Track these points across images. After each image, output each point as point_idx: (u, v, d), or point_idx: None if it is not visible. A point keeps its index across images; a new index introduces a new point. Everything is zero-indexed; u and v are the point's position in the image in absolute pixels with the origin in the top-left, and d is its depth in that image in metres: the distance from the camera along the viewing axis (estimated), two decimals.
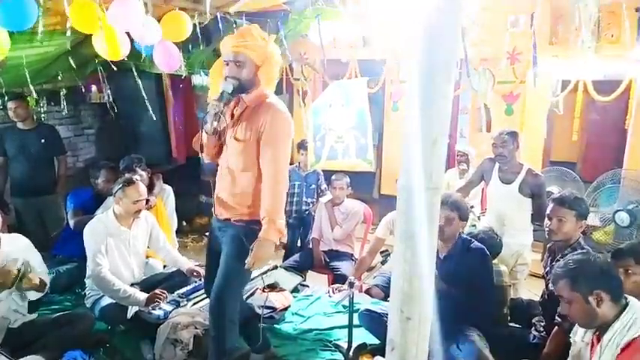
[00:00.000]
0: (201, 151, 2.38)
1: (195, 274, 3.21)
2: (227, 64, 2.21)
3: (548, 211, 2.61)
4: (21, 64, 3.09)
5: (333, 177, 4.04)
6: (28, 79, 3.23)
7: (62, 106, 4.74)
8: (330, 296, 3.52)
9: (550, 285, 2.25)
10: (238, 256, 2.22)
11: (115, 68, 3.44)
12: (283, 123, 2.24)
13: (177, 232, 4.26)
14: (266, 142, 2.21)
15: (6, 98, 3.98)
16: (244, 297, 3.20)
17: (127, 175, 3.21)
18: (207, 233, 5.53)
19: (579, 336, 1.99)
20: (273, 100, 2.30)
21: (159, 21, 3.03)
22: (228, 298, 2.29)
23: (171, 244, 3.57)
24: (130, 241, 3.10)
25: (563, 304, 1.88)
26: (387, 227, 3.58)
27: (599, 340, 1.83)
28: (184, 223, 5.58)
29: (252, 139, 2.23)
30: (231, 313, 2.31)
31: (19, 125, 4.10)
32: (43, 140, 4.16)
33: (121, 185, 2.99)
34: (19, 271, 2.47)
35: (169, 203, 4.02)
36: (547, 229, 2.60)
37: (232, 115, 2.30)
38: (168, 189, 4.05)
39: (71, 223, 3.58)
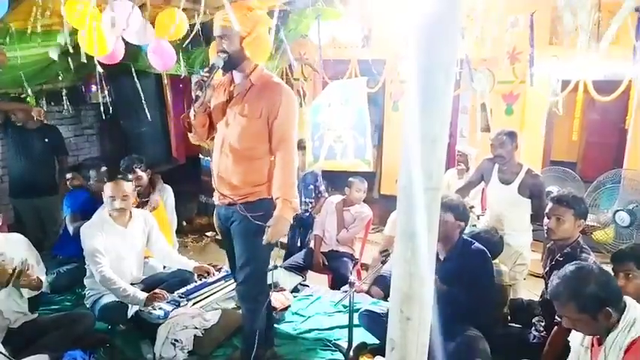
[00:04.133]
0: (190, 131, 2.38)
1: (206, 272, 3.21)
2: (218, 40, 2.22)
3: (546, 210, 2.60)
4: (20, 64, 3.08)
5: (352, 179, 4.04)
6: (24, 81, 3.22)
7: (63, 106, 4.74)
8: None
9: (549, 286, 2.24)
10: (253, 246, 2.30)
11: (114, 68, 3.43)
12: (294, 103, 2.29)
13: (177, 232, 4.25)
14: (280, 123, 2.24)
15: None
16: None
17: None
18: (207, 233, 5.59)
19: (578, 341, 1.97)
20: (279, 79, 2.33)
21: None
22: (260, 283, 2.45)
23: (171, 244, 3.56)
24: (127, 239, 3.09)
25: (567, 321, 1.82)
26: (395, 225, 3.57)
27: (599, 342, 1.82)
28: (184, 223, 5.58)
29: (262, 116, 2.23)
30: (264, 297, 2.47)
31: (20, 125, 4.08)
32: (46, 140, 4.17)
33: (105, 181, 3.07)
34: (14, 270, 2.48)
35: (169, 203, 4.02)
36: (546, 227, 2.60)
37: (231, 93, 2.31)
38: (169, 189, 4.05)
39: (70, 228, 3.53)
